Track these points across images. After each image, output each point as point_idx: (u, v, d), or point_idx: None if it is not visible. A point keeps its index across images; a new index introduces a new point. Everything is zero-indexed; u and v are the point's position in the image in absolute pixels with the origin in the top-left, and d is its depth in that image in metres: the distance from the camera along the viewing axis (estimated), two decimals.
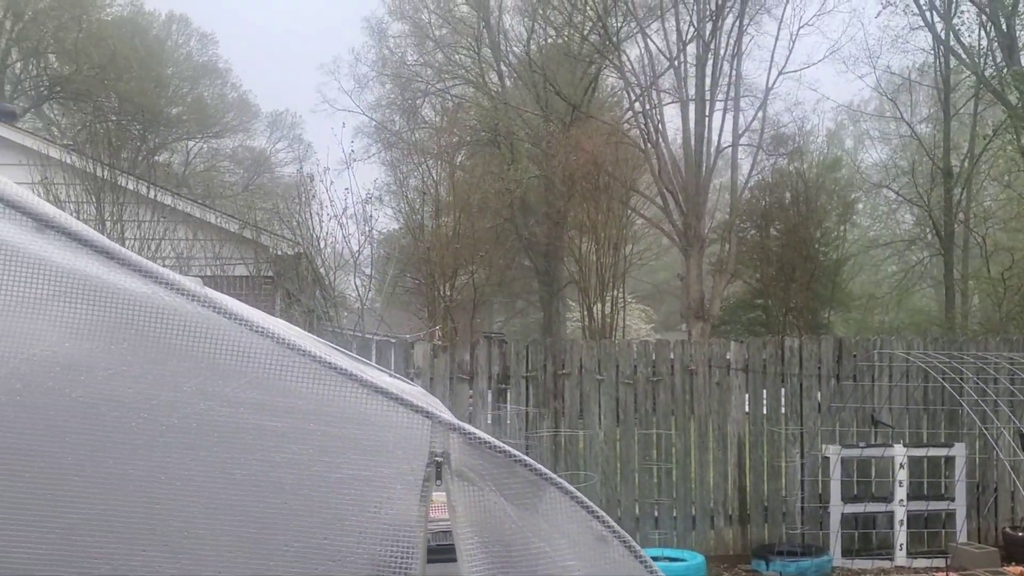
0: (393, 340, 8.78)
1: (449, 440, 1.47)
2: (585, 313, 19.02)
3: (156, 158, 30.60)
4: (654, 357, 7.81)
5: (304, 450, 1.48)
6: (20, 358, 1.43)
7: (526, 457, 1.50)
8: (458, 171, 24.56)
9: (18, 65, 30.94)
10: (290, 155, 35.53)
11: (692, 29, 24.51)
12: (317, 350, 1.59)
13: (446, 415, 1.51)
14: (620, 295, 19.22)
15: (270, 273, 9.07)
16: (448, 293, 18.98)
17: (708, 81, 23.88)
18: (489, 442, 1.47)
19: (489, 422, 7.18)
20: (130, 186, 9.09)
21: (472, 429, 1.49)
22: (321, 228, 9.49)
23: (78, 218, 1.62)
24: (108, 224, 8.63)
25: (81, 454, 1.43)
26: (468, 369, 7.21)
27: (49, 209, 1.50)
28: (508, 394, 7.29)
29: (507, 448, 1.50)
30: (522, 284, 28.87)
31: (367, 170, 26.83)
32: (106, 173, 8.80)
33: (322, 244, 9.73)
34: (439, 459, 1.49)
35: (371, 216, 11.99)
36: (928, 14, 22.36)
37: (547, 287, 26.82)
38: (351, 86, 29.75)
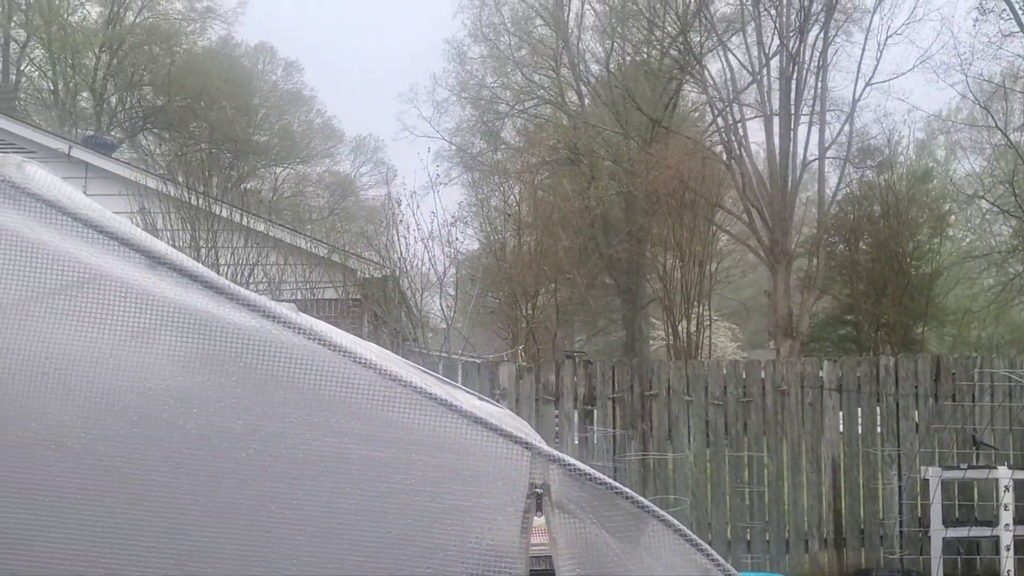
0: (478, 360, 8.84)
1: (549, 471, 1.48)
2: (669, 331, 18.81)
3: (246, 185, 31.61)
4: (744, 377, 7.67)
5: (407, 480, 1.50)
6: (136, 391, 1.49)
7: (627, 489, 1.49)
8: (538, 190, 24.69)
9: (114, 98, 32.34)
10: (374, 178, 36.26)
11: (775, 42, 24.15)
12: (417, 379, 1.62)
13: (545, 446, 1.52)
14: (705, 313, 18.96)
15: (358, 296, 9.26)
16: (530, 312, 19.02)
17: (792, 94, 23.47)
18: (589, 474, 1.47)
19: (576, 444, 7.15)
20: (224, 213, 9.42)
21: (572, 460, 1.49)
22: (407, 250, 9.68)
23: (174, 245, 1.68)
24: (203, 251, 8.95)
25: (195, 484, 1.48)
26: (553, 390, 7.20)
27: (160, 246, 1.57)
28: (594, 416, 7.25)
29: (608, 480, 1.49)
30: (604, 302, 28.73)
31: (448, 192, 27.19)
32: (200, 201, 9.13)
33: (408, 266, 9.90)
34: (539, 490, 1.49)
35: (455, 238, 12.12)
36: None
37: (629, 305, 26.64)
38: (430, 112, 30.23)
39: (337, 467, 1.50)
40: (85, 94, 31.09)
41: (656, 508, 1.48)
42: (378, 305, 9.46)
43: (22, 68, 30.15)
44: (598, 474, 1.48)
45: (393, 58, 54.40)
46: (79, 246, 1.50)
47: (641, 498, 1.47)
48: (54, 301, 1.50)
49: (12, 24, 28.75)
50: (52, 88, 30.52)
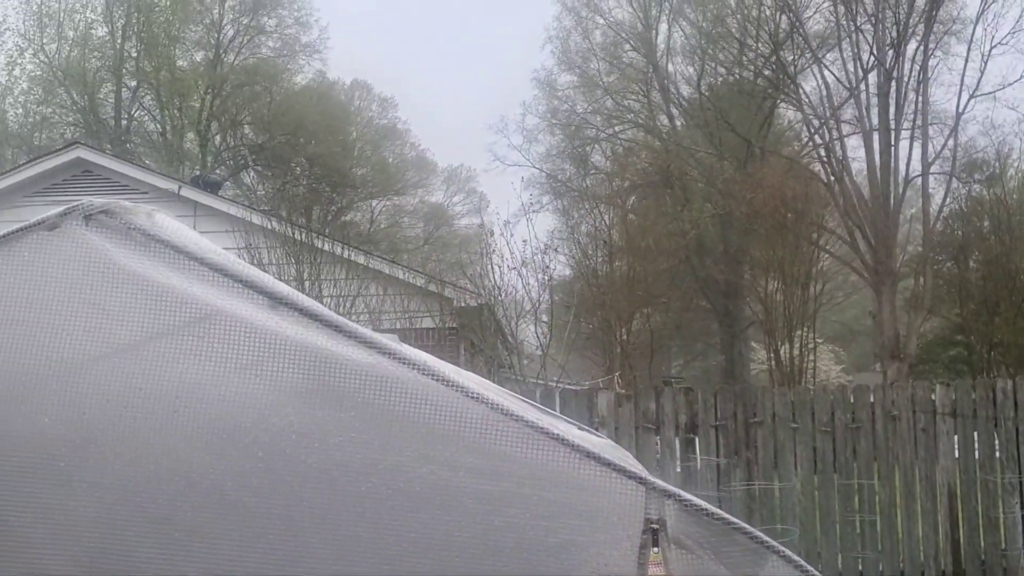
0: (575, 388, 8.82)
1: (664, 506, 1.46)
2: (771, 355, 18.38)
3: (345, 218, 32.49)
4: (852, 402, 7.43)
5: (521, 514, 1.51)
6: (260, 427, 1.55)
7: (745, 524, 1.47)
8: (630, 214, 24.57)
9: (217, 137, 33.72)
10: (466, 207, 36.73)
11: (872, 57, 23.54)
12: (527, 413, 1.63)
13: (659, 481, 1.50)
14: (809, 336, 18.46)
15: (454, 324, 9.38)
16: (625, 338, 18.87)
17: (892, 109, 22.79)
18: (706, 509, 1.45)
19: (678, 473, 7.03)
20: (326, 247, 9.69)
21: (688, 496, 1.47)
22: (501, 279, 9.77)
23: (279, 279, 1.74)
24: (307, 284, 9.21)
25: (316, 517, 1.52)
26: (654, 418, 7.10)
27: (282, 287, 1.63)
28: (696, 444, 7.12)
29: (725, 515, 1.47)
30: (700, 326, 28.28)
31: (538, 219, 27.29)
32: (304, 236, 9.42)
33: (502, 294, 9.98)
34: (655, 526, 1.47)
35: (548, 266, 12.16)
36: None
37: (728, 329, 26.16)
38: (519, 141, 30.49)
39: (452, 501, 1.52)
40: (191, 135, 32.51)
41: (776, 544, 1.45)
42: (474, 333, 9.55)
43: (133, 113, 31.73)
44: (715, 509, 1.46)
45: (483, 90, 55.25)
46: (205, 289, 1.57)
47: (760, 534, 1.44)
48: (182, 341, 1.58)
49: (124, 71, 30.31)
50: (160, 130, 32.02)
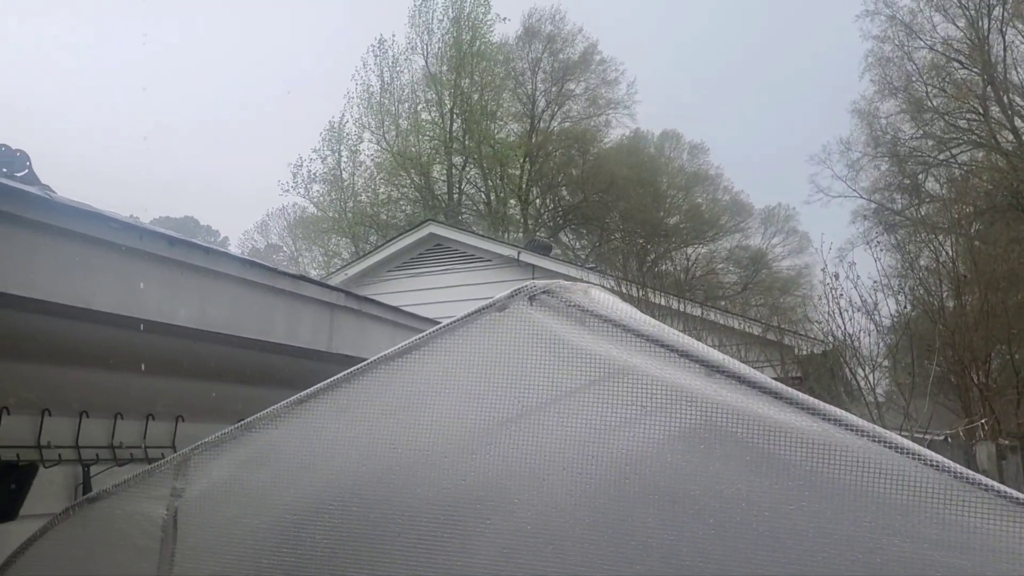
0: (940, 438, 8.06)
1: None
2: None
3: (659, 268, 32.71)
4: None
5: None
6: (710, 495, 1.58)
7: None
8: (975, 242, 22.29)
9: (537, 201, 35.57)
10: (787, 248, 35.45)
11: None
12: (988, 480, 1.52)
13: None
14: None
15: (798, 374, 9.01)
16: (983, 379, 16.99)
17: None
18: None
19: None
20: (660, 301, 9.80)
21: None
22: (845, 322, 9.24)
23: None
24: None
25: None
26: None
27: (716, 355, 1.66)
28: None
29: None
30: None
31: (866, 256, 25.61)
32: (639, 292, 9.60)
33: (846, 339, 9.42)
34: None
35: (877, 304, 11.32)
36: None
37: None
38: (843, 172, 28.98)
39: (918, 574, 1.45)
40: (513, 201, 34.62)
41: None
42: (818, 382, 9.10)
43: (462, 187, 34.48)
44: None
45: (796, 125, 53.47)
46: (644, 359, 1.64)
47: None
48: (623, 411, 1.66)
49: (452, 150, 33.12)
50: (486, 200, 34.43)
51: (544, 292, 1.74)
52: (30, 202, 1.93)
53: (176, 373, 2.82)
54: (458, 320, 1.74)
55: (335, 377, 1.78)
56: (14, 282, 1.89)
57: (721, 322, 9.95)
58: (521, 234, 31.61)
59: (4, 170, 2.26)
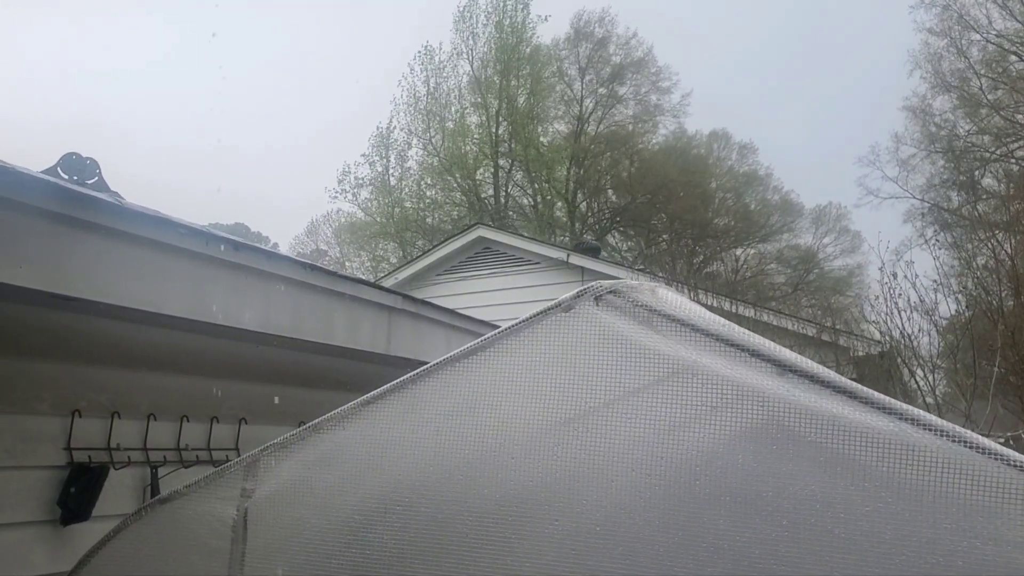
0: (1002, 440, 7.83)
1: None
2: None
3: (708, 269, 32.42)
4: None
5: None
6: (782, 496, 1.55)
7: None
8: None
9: (583, 204, 35.49)
10: (839, 247, 34.88)
11: None
12: None
13: None
14: None
15: (853, 375, 8.85)
16: None
17: None
18: None
19: None
20: (711, 302, 9.70)
21: None
22: (903, 322, 9.04)
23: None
24: None
25: None
26: None
27: (788, 355, 1.63)
28: None
29: None
30: None
31: (921, 255, 25.04)
32: (689, 293, 9.53)
33: (904, 339, 9.22)
34: None
35: (937, 303, 11.05)
36: None
37: None
38: (895, 172, 28.42)
39: None
40: (559, 204, 34.58)
41: None
42: (874, 383, 8.93)
43: (508, 190, 34.52)
44: None
45: (846, 124, 52.54)
46: (714, 359, 1.62)
47: None
48: (694, 412, 1.64)
49: (498, 153, 33.20)
50: (532, 203, 34.44)
51: (610, 292, 1.72)
52: (101, 208, 1.97)
53: (240, 376, 2.86)
54: (523, 321, 1.73)
55: (401, 378, 1.78)
56: (86, 287, 1.93)
57: (775, 323, 9.82)
58: (567, 237, 31.56)
59: (75, 177, 2.31)
